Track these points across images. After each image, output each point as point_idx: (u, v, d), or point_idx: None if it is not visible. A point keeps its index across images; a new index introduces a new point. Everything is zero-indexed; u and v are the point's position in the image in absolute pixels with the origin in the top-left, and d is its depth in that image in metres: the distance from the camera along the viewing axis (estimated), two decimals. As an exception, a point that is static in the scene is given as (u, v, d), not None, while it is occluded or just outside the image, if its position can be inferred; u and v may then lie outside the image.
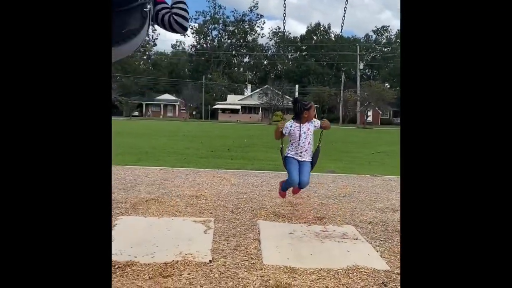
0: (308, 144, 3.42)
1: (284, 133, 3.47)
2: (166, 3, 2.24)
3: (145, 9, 2.08)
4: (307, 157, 3.44)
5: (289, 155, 3.46)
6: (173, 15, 2.18)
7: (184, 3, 2.22)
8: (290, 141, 3.48)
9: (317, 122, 3.48)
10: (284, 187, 3.72)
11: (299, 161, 3.43)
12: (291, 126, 3.43)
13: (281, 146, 3.62)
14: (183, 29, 2.23)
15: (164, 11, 2.21)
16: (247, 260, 2.80)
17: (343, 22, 3.65)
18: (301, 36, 75.54)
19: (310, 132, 3.42)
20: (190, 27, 65.36)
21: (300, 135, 3.38)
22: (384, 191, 5.61)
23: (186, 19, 2.22)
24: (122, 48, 2.05)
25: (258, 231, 3.50)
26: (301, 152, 3.41)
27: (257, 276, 2.51)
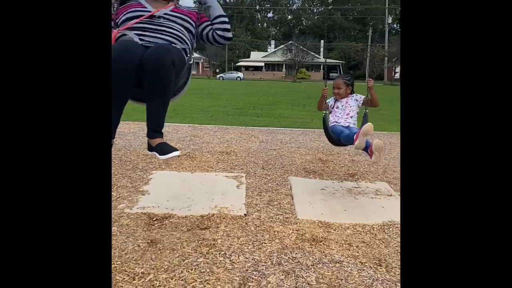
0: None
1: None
2: (208, 21, 2.42)
3: (190, 62, 2.33)
4: None
5: None
6: (215, 31, 2.38)
7: (223, 15, 2.38)
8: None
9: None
10: None
11: None
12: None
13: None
14: (227, 40, 2.41)
15: (207, 29, 2.41)
16: (281, 215, 2.82)
17: None
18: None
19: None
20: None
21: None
22: (416, 149, 5.50)
23: (228, 30, 2.38)
24: (175, 98, 2.42)
25: (290, 186, 3.51)
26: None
27: (292, 230, 2.53)
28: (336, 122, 3.35)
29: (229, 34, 2.40)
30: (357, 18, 66.57)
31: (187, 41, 2.32)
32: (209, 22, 2.40)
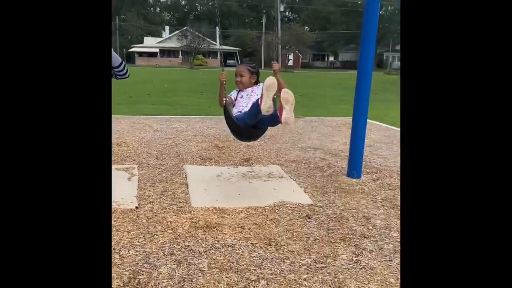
0: None
1: None
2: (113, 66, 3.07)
3: None
4: None
5: None
6: (117, 76, 3.08)
7: (120, 64, 3.01)
8: None
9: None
10: None
11: None
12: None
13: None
14: (126, 78, 3.10)
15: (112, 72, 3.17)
16: (175, 204, 2.77)
17: None
18: (220, -26, 71.89)
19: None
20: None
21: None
22: (306, 132, 5.84)
23: (125, 73, 3.06)
24: None
25: (185, 175, 3.47)
26: None
27: (186, 219, 2.51)
28: (240, 112, 2.83)
29: (127, 75, 3.10)
30: (250, 5, 67.79)
31: None
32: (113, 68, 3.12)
